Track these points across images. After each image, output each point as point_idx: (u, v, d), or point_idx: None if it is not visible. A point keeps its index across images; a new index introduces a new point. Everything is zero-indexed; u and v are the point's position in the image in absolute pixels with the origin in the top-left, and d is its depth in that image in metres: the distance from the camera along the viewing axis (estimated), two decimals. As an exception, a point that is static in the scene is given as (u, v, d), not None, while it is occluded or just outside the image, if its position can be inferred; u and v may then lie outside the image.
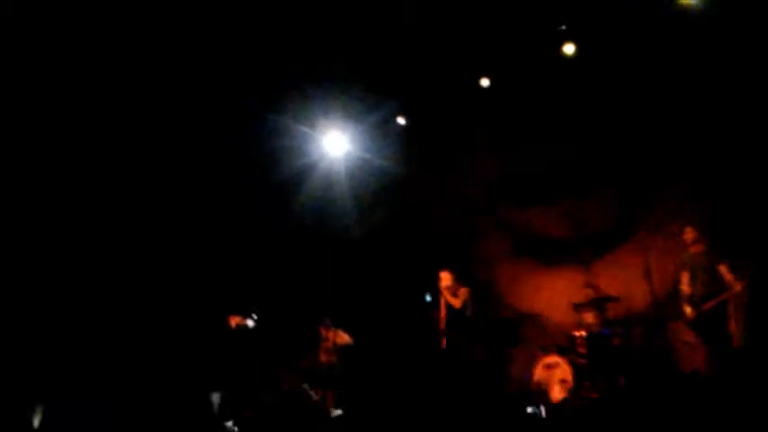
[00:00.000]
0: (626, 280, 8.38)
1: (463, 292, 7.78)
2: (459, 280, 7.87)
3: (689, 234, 7.03)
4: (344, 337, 8.65)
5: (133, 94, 7.92)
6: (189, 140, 8.50)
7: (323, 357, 8.65)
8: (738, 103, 7.94)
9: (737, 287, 6.59)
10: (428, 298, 7.96)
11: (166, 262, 8.17)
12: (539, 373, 8.20)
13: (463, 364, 7.58)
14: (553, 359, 8.12)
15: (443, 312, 7.77)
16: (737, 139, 7.96)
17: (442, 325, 7.74)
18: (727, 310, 6.70)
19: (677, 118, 8.36)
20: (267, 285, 8.98)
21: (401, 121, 9.12)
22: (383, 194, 9.60)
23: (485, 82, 8.80)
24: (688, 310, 6.99)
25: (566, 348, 8.32)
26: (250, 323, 7.76)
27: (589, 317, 8.29)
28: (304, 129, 8.55)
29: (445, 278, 7.82)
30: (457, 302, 7.71)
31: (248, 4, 7.21)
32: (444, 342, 7.64)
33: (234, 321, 7.71)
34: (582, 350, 8.16)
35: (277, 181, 9.15)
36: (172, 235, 8.35)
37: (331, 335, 8.73)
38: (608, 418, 6.28)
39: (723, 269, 6.70)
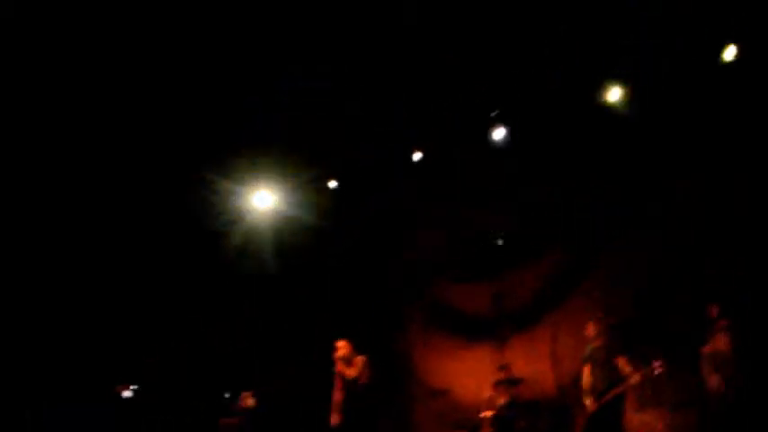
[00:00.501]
0: (536, 363, 8.45)
1: (359, 360, 7.30)
2: (357, 349, 7.43)
3: (590, 329, 7.30)
4: (250, 401, 8.40)
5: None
6: (120, 186, 8.40)
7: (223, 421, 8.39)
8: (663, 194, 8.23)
9: (634, 379, 6.76)
10: None
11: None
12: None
13: None
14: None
15: (339, 384, 7.27)
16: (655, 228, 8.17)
17: (338, 397, 7.25)
18: (622, 404, 6.92)
19: (607, 200, 8.52)
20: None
21: (332, 184, 9.19)
22: (307, 252, 9.52)
23: (416, 155, 8.98)
24: (588, 402, 7.15)
25: (475, 427, 8.33)
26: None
27: (498, 397, 8.32)
28: (232, 185, 8.53)
29: (342, 347, 7.36)
30: (352, 372, 7.20)
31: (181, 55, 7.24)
32: (338, 418, 7.15)
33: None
34: (489, 430, 8.17)
35: (204, 232, 9.06)
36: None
37: (246, 394, 8.52)
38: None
39: (621, 362, 6.91)
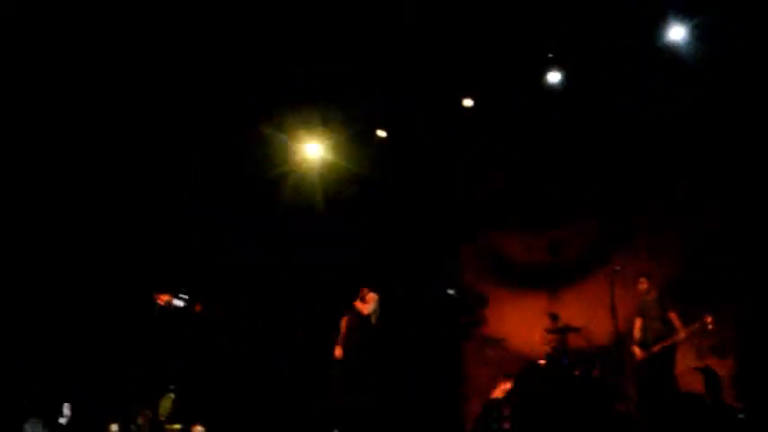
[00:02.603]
0: (592, 311, 8.36)
1: (371, 297, 7.51)
2: (370, 286, 7.62)
3: (643, 284, 7.63)
4: None
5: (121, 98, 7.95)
6: (171, 144, 8.53)
7: None
8: (718, 147, 7.98)
9: (682, 334, 7.10)
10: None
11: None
12: (496, 396, 8.20)
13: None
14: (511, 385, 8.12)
15: (347, 320, 7.51)
16: (716, 185, 8.06)
17: (343, 329, 7.50)
18: (673, 355, 7.19)
19: (663, 156, 8.40)
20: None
21: (381, 133, 9.10)
22: (359, 202, 9.55)
23: (468, 102, 8.78)
24: (637, 351, 7.50)
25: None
26: (179, 303, 7.55)
27: (552, 346, 8.28)
28: (283, 137, 8.56)
29: (370, 299, 7.56)
30: (365, 308, 7.46)
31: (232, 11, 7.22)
32: (341, 351, 7.38)
33: (162, 299, 7.51)
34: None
35: (256, 184, 9.15)
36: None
37: None
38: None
39: (673, 317, 7.24)
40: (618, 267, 7.60)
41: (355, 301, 7.56)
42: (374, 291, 7.60)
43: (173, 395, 7.37)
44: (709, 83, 7.69)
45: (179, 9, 7.37)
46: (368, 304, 7.43)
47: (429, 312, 9.49)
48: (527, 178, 9.42)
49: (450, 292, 8.74)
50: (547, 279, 9.09)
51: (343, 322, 7.58)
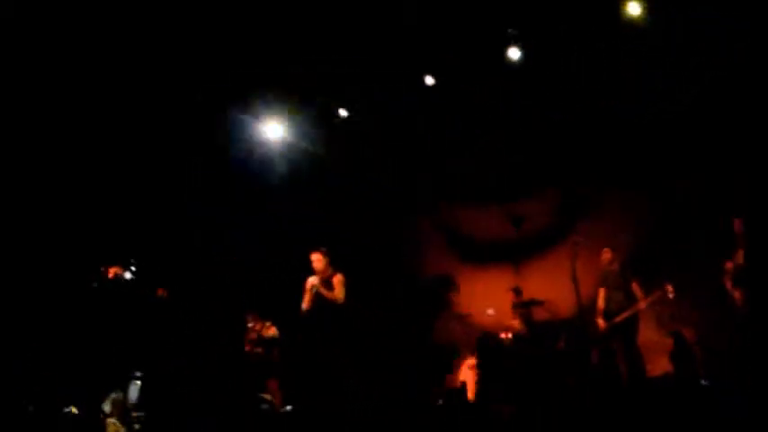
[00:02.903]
0: (554, 284, 8.51)
1: (338, 281, 6.85)
2: (334, 264, 7.00)
3: (606, 254, 7.73)
4: (271, 330, 8.45)
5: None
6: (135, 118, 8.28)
7: (247, 348, 8.49)
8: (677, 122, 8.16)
9: (642, 304, 7.28)
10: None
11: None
12: (463, 372, 8.33)
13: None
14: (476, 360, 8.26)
15: (307, 302, 6.85)
16: (677, 156, 8.23)
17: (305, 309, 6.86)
18: (635, 325, 7.36)
19: (623, 126, 8.55)
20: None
21: (342, 112, 9.01)
22: (319, 182, 9.46)
23: (429, 80, 8.75)
24: (600, 322, 7.63)
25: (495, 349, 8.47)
26: (127, 275, 7.31)
27: (515, 320, 8.44)
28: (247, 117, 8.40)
29: (317, 260, 6.88)
30: (332, 294, 6.78)
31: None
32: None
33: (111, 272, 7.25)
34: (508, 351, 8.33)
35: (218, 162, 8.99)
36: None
37: (258, 326, 8.56)
38: (522, 421, 6.44)
39: (634, 286, 7.41)
40: (579, 239, 7.72)
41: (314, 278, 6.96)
42: (339, 271, 7.07)
43: (139, 382, 7.21)
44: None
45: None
46: (336, 289, 6.82)
47: (395, 293, 9.52)
48: (488, 151, 9.46)
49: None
50: (510, 253, 9.23)
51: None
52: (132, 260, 7.46)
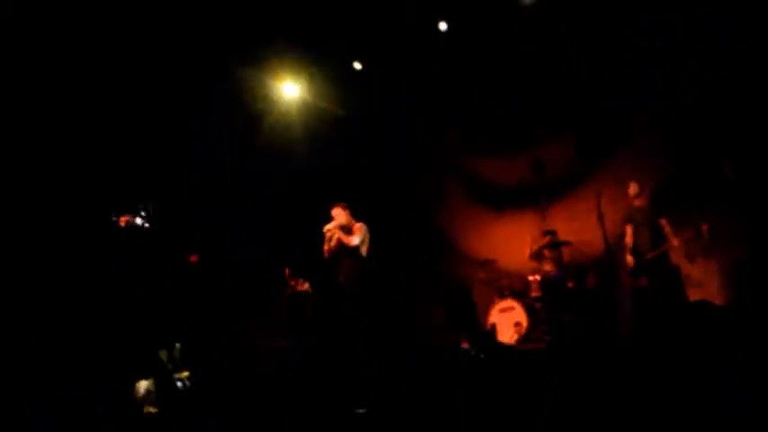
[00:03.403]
0: (580, 225, 8.52)
1: (359, 227, 6.77)
2: (355, 216, 6.93)
3: (632, 188, 7.48)
4: (305, 286, 8.60)
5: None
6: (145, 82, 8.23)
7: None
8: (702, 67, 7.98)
9: (675, 241, 7.10)
10: None
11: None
12: (494, 316, 8.43)
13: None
14: (508, 303, 8.36)
15: (327, 250, 6.77)
16: (701, 104, 8.06)
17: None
18: (667, 261, 7.21)
19: (641, 67, 8.35)
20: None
21: (357, 65, 8.93)
22: (338, 139, 9.43)
23: (442, 25, 8.64)
24: (630, 259, 7.47)
25: (520, 292, 8.57)
26: (138, 220, 7.32)
27: (545, 262, 8.47)
28: (259, 75, 8.32)
29: (338, 216, 6.85)
30: (350, 240, 6.69)
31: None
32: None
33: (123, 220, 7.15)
34: (536, 294, 8.42)
35: (233, 125, 8.96)
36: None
37: (293, 282, 8.72)
38: (556, 361, 6.53)
39: (664, 223, 7.20)
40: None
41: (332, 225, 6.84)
42: (359, 220, 6.92)
43: (178, 344, 7.34)
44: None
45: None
46: (354, 235, 6.72)
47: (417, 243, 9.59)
48: (505, 99, 9.37)
49: None
50: (533, 198, 9.19)
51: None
52: (141, 206, 7.36)
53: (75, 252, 7.42)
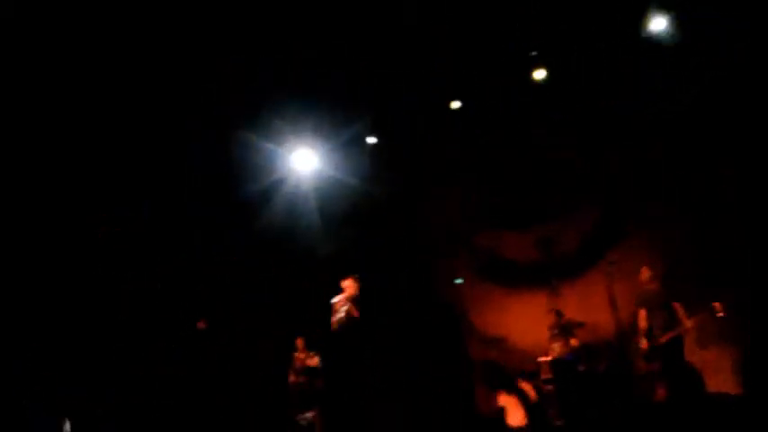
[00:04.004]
0: (592, 306, 8.39)
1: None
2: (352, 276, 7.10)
3: (644, 274, 7.49)
4: (314, 360, 8.42)
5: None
6: (153, 151, 8.33)
7: (291, 378, 8.47)
8: (710, 142, 8.06)
9: (689, 324, 7.06)
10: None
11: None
12: (502, 397, 8.15)
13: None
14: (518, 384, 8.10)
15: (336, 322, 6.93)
16: (712, 179, 8.12)
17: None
18: (680, 344, 7.14)
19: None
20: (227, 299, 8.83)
21: (371, 140, 9.03)
22: (352, 214, 9.45)
23: (455, 104, 8.79)
24: (644, 342, 7.39)
25: (531, 374, 8.31)
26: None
27: (556, 343, 8.28)
28: (271, 145, 8.40)
29: (350, 287, 6.97)
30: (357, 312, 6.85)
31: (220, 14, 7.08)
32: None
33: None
34: (547, 376, 8.18)
35: (242, 196, 8.99)
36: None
37: (302, 356, 8.57)
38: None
39: (677, 306, 7.18)
40: (615, 259, 7.58)
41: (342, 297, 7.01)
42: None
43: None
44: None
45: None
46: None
47: (427, 316, 9.44)
48: (518, 177, 9.42)
49: None
50: (545, 277, 9.08)
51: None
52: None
53: (72, 253, 7.43)
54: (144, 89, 7.77)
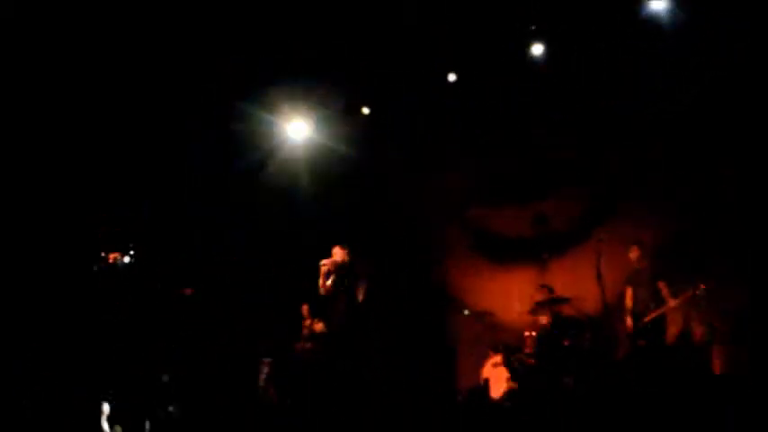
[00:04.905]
0: (579, 282, 8.43)
1: (361, 290, 6.96)
2: (356, 259, 7.05)
3: (633, 252, 7.61)
4: (320, 325, 8.50)
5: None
6: (153, 151, 8.39)
7: (299, 345, 8.59)
8: (706, 117, 8.04)
9: (672, 303, 7.15)
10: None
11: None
12: (487, 370, 8.29)
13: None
14: (501, 358, 8.21)
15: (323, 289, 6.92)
16: (705, 157, 8.14)
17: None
18: (664, 324, 7.28)
19: (648, 125, 8.47)
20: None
21: (365, 110, 9.04)
22: (344, 182, 9.48)
23: (451, 77, 8.77)
24: (629, 321, 7.51)
25: (514, 348, 8.41)
26: (126, 259, 7.43)
27: (542, 317, 8.36)
28: (267, 115, 8.42)
29: (337, 254, 6.95)
30: (358, 296, 6.90)
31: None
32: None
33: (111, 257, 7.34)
34: (530, 350, 8.26)
35: (239, 164, 9.04)
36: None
37: (308, 322, 8.68)
38: (548, 417, 6.38)
39: (661, 285, 7.29)
40: (604, 236, 7.63)
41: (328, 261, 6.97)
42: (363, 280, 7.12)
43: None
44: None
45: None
46: (359, 289, 6.96)
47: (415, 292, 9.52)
48: (511, 152, 9.42)
49: None
50: (534, 252, 9.13)
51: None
52: (131, 245, 7.66)
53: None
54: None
